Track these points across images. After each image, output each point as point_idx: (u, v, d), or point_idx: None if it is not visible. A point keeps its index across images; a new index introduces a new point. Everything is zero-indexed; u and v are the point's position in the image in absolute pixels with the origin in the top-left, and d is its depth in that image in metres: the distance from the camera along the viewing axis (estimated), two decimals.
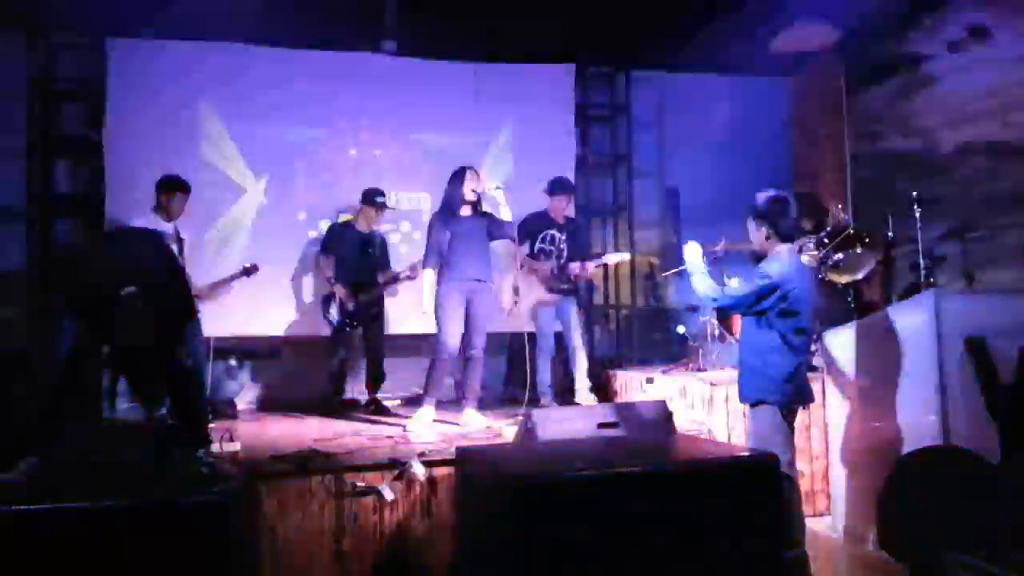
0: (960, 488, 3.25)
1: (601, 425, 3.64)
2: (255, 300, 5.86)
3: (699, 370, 5.47)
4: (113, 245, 3.80)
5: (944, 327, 3.79)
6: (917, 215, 4.94)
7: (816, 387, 4.02)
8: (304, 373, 6.02)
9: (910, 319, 3.98)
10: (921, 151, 5.96)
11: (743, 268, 4.21)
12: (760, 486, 2.83)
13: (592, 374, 5.49)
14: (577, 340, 5.42)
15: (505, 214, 4.96)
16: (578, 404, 5.28)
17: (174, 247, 4.85)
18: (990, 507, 3.09)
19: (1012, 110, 5.29)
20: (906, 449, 3.82)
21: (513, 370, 5.26)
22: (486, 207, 5.03)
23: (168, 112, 6.00)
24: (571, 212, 5.67)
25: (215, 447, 3.71)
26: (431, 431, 4.69)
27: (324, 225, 6.21)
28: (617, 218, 7.13)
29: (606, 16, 6.07)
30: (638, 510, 2.63)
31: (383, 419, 5.26)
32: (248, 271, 5.54)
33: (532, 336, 5.46)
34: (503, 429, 4.61)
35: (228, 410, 5.56)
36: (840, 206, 5.54)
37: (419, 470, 3.56)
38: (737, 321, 5.10)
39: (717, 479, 2.81)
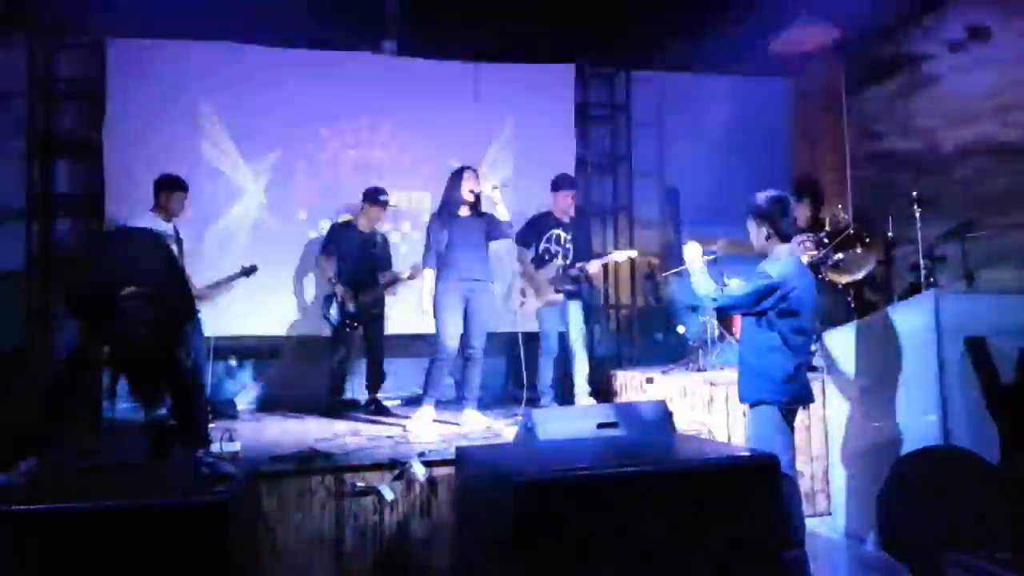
0: (960, 488, 3.25)
1: (601, 425, 3.64)
2: (255, 300, 5.86)
3: (699, 370, 5.47)
4: (113, 245, 3.80)
5: (944, 327, 3.79)
6: (917, 215, 4.94)
7: (816, 387, 4.02)
8: (304, 373, 6.02)
9: (910, 319, 3.98)
10: (921, 151, 5.96)
11: (743, 268, 4.21)
12: (760, 486, 2.83)
13: (592, 379, 5.49)
14: (579, 342, 5.41)
15: (502, 214, 4.96)
16: (578, 404, 5.28)
17: (174, 247, 4.85)
18: (990, 507, 3.09)
19: (1012, 110, 5.29)
20: (906, 449, 3.82)
21: (513, 370, 5.26)
22: (485, 207, 5.03)
23: (168, 112, 6.00)
24: (572, 210, 5.66)
25: (215, 447, 3.71)
26: (431, 431, 4.69)
27: (324, 225, 6.22)
28: (617, 218, 7.13)
29: (606, 16, 6.07)
30: (638, 510, 2.63)
31: (383, 419, 5.26)
32: (247, 271, 5.54)
33: (527, 336, 5.46)
34: (503, 429, 4.61)
35: (228, 410, 5.56)
36: (840, 206, 5.55)
37: (419, 470, 3.56)
38: (737, 321, 5.10)
39: (717, 479, 2.81)
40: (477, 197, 4.97)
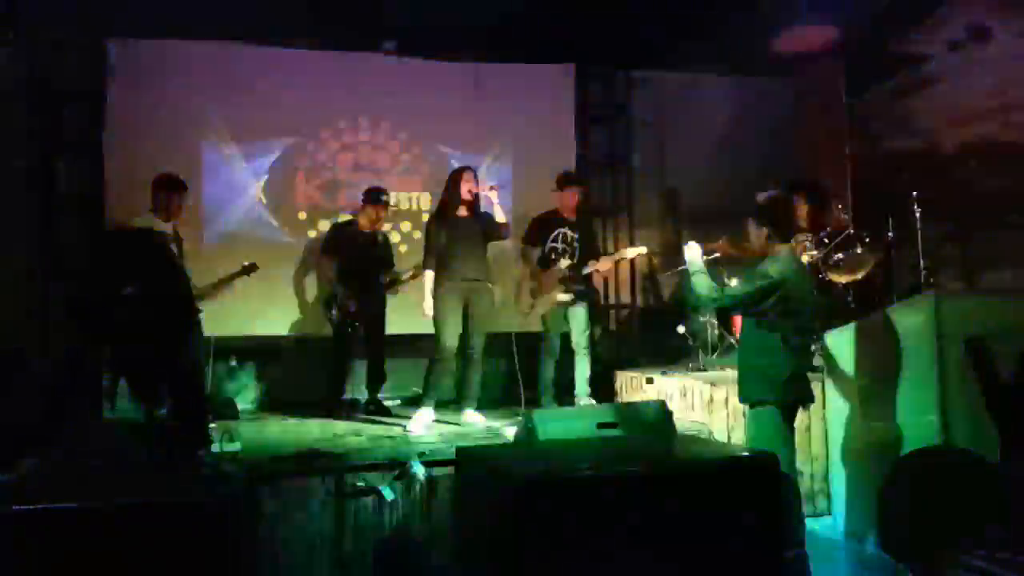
0: (960, 488, 3.25)
1: (601, 425, 3.64)
2: (255, 300, 5.85)
3: (699, 370, 5.47)
4: (113, 245, 3.80)
5: (944, 327, 3.79)
6: (917, 215, 4.93)
7: (816, 387, 4.02)
8: (304, 373, 6.01)
9: (910, 319, 3.98)
10: (921, 151, 5.96)
11: (743, 268, 4.21)
12: (760, 486, 2.83)
13: (592, 380, 5.48)
14: (582, 343, 5.40)
15: (498, 215, 4.93)
16: (578, 405, 5.28)
17: (173, 247, 4.84)
18: (990, 507, 3.09)
19: (1012, 110, 5.29)
20: (906, 449, 3.82)
21: (513, 370, 5.25)
22: (484, 207, 5.03)
23: (168, 112, 5.99)
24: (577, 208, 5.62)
25: (215, 447, 3.71)
26: (431, 431, 4.69)
27: (324, 225, 6.22)
28: (617, 218, 7.13)
29: (606, 16, 6.06)
30: (638, 510, 2.63)
31: (383, 419, 5.26)
32: (248, 270, 5.53)
33: (526, 336, 5.46)
34: (503, 429, 4.61)
35: (228, 410, 5.55)
36: (840, 206, 5.54)
37: (419, 470, 3.56)
38: (737, 321, 5.10)
39: (717, 479, 2.81)
40: (475, 197, 4.97)
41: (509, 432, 4.35)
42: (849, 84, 6.71)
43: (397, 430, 4.76)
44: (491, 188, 4.94)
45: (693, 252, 3.73)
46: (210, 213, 6.08)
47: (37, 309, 5.76)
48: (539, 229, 5.51)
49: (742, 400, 3.66)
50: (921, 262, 4.93)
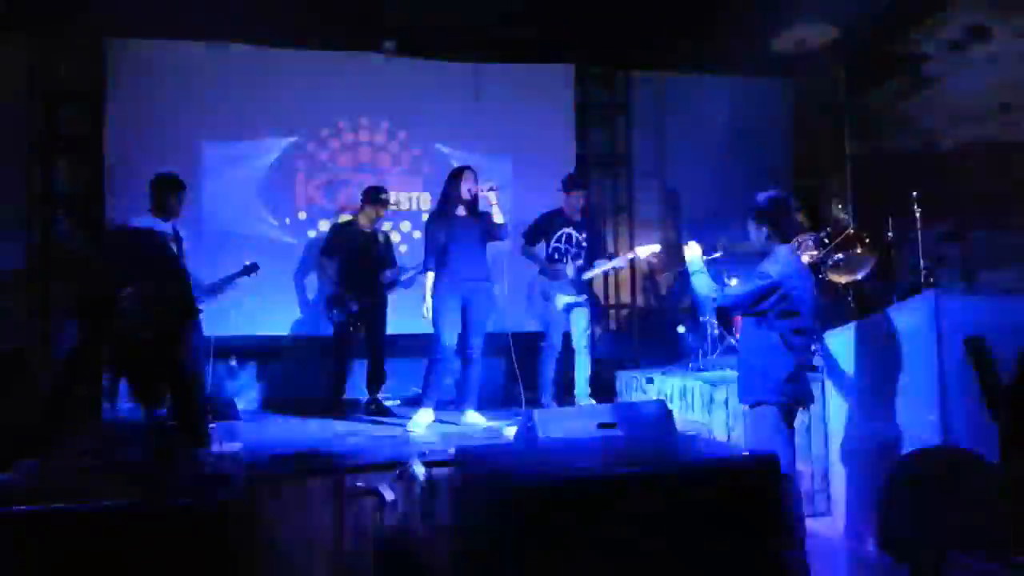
0: (960, 488, 3.25)
1: (601, 425, 3.64)
2: (256, 300, 5.86)
3: (699, 370, 5.47)
4: (113, 245, 3.80)
5: (944, 327, 3.79)
6: (917, 215, 4.93)
7: (816, 387, 4.02)
8: (304, 373, 6.02)
9: (910, 319, 3.98)
10: (921, 151, 5.95)
11: (743, 268, 4.21)
12: (760, 486, 2.82)
13: (592, 379, 5.48)
14: (583, 343, 5.40)
15: (497, 215, 4.92)
16: (578, 405, 5.28)
17: (173, 247, 4.84)
18: (990, 507, 3.09)
19: (1012, 110, 5.28)
20: (906, 449, 3.82)
21: (512, 370, 5.26)
22: (481, 207, 5.02)
23: (168, 112, 5.99)
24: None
25: (215, 447, 3.70)
26: (431, 431, 4.69)
27: (324, 225, 6.22)
28: (617, 218, 7.13)
29: (606, 16, 6.06)
30: (638, 511, 2.63)
31: (383, 419, 5.27)
32: (249, 269, 5.53)
33: (525, 336, 5.45)
34: (503, 429, 4.61)
35: (228, 410, 5.55)
36: (840, 206, 5.54)
37: (419, 470, 3.55)
38: (737, 321, 5.10)
39: (717, 479, 2.80)
40: (475, 197, 4.96)
41: (509, 432, 4.35)
42: (849, 84, 6.72)
43: (397, 430, 4.76)
44: (490, 188, 4.92)
45: (693, 252, 3.73)
46: (210, 213, 6.08)
47: (37, 309, 5.76)
48: (541, 229, 5.50)
49: (742, 400, 3.66)
50: (921, 262, 4.93)
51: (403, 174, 6.49)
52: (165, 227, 5.01)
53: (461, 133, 6.59)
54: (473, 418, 4.94)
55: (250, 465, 3.56)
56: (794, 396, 3.50)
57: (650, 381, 5.50)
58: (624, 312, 7.13)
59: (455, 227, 4.93)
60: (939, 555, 2.75)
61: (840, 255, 5.07)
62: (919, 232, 4.93)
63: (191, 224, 5.53)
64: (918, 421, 3.85)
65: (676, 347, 6.19)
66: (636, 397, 5.54)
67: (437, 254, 4.93)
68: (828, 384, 4.49)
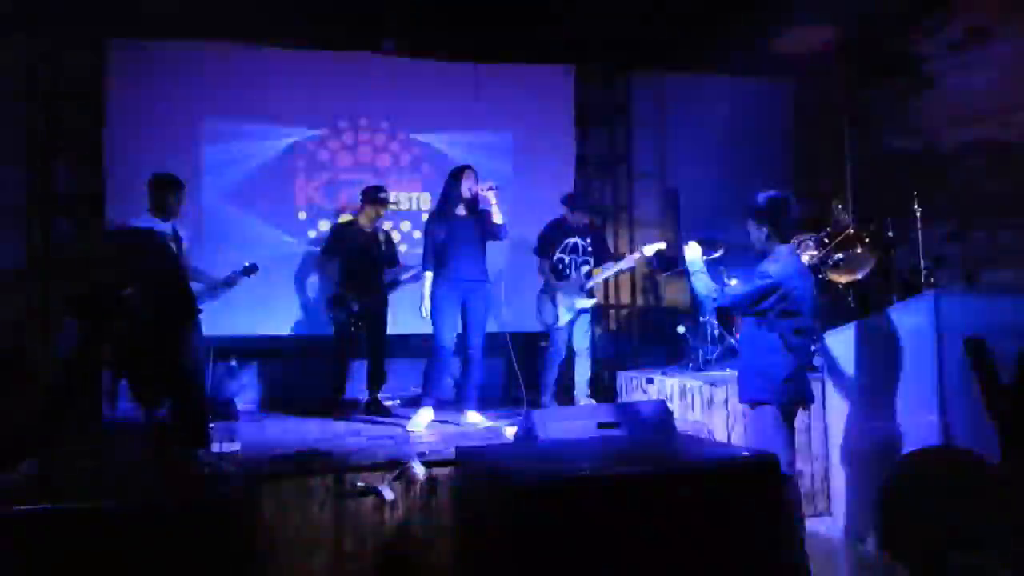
0: (960, 488, 3.25)
1: (601, 425, 3.64)
2: (255, 300, 5.85)
3: (699, 370, 5.47)
4: (113, 245, 3.80)
5: (944, 327, 3.79)
6: (917, 215, 4.94)
7: (816, 387, 4.02)
8: (304, 373, 6.02)
9: (910, 319, 3.98)
10: (921, 151, 5.96)
11: (743, 268, 4.21)
12: (760, 486, 2.83)
13: (593, 382, 5.48)
14: (585, 344, 5.41)
15: (496, 215, 4.91)
16: (578, 405, 5.28)
17: (173, 246, 4.84)
18: (990, 507, 3.10)
19: (1012, 110, 5.28)
20: (906, 449, 3.82)
21: (513, 370, 5.26)
22: (482, 206, 5.02)
23: (168, 112, 5.99)
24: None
25: (215, 447, 3.71)
26: (431, 431, 4.69)
27: (324, 225, 6.22)
28: (617, 218, 7.13)
29: (606, 16, 6.06)
30: (638, 511, 2.63)
31: (383, 419, 5.26)
32: (248, 270, 5.53)
33: (521, 336, 5.44)
34: (503, 429, 4.61)
35: (228, 410, 5.55)
36: (840, 206, 5.54)
37: (419, 470, 3.56)
38: (738, 321, 5.10)
39: (717, 480, 2.81)
40: (475, 196, 4.96)
41: (509, 432, 4.35)
42: (849, 84, 6.71)
43: (397, 430, 4.76)
44: (489, 188, 4.91)
45: (693, 252, 3.73)
46: (210, 213, 6.08)
47: (37, 309, 5.76)
48: (547, 240, 5.51)
49: (742, 400, 3.66)
50: (921, 262, 4.93)
51: (403, 174, 6.49)
52: (164, 227, 5.01)
53: (461, 133, 6.59)
54: (473, 418, 4.94)
55: (250, 465, 3.57)
56: (794, 396, 3.50)
57: (650, 381, 5.50)
58: (624, 312, 7.13)
59: (455, 227, 4.93)
60: (939, 555, 2.75)
61: (840, 255, 5.07)
62: (919, 232, 4.93)
63: (191, 224, 5.54)
64: (918, 421, 3.85)
65: (676, 347, 6.19)
66: (636, 397, 5.54)
67: (436, 254, 4.93)
68: (828, 384, 4.49)
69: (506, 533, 2.62)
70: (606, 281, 7.00)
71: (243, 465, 3.54)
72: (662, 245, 5.42)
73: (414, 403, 5.23)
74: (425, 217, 5.84)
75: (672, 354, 6.20)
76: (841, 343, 4.36)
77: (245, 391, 6.13)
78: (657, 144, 7.21)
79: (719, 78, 7.09)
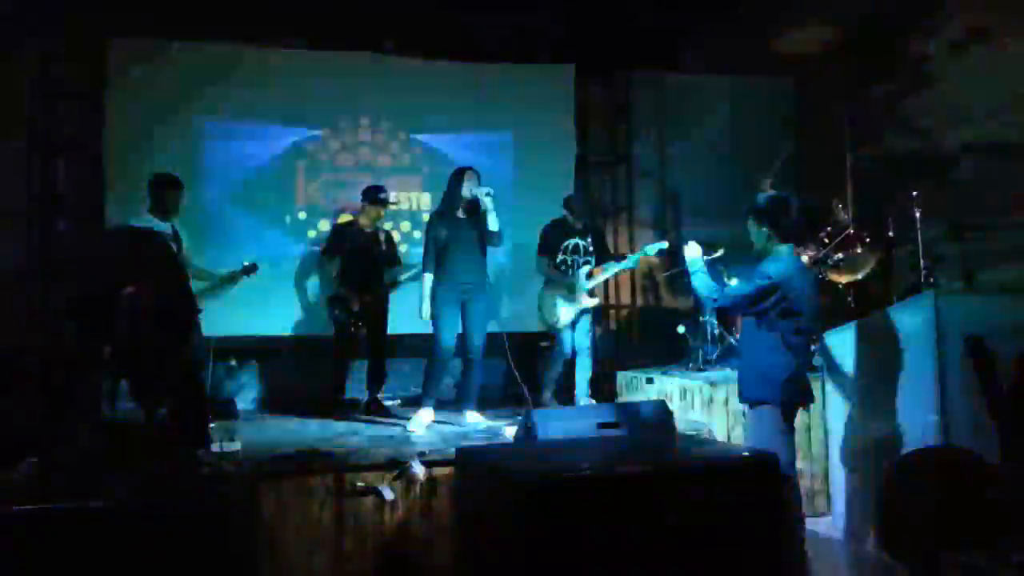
0: (960, 488, 3.25)
1: (601, 425, 3.64)
2: (256, 300, 5.85)
3: (699, 370, 5.47)
4: (113, 245, 3.80)
5: (944, 327, 3.79)
6: (917, 215, 4.93)
7: (816, 387, 4.02)
8: (304, 373, 6.01)
9: (910, 319, 3.98)
10: (921, 151, 5.95)
11: (743, 268, 4.21)
12: (760, 486, 2.83)
13: (593, 382, 5.48)
14: (586, 344, 5.41)
15: (491, 222, 4.86)
16: (578, 404, 5.28)
17: (172, 246, 4.84)
18: (990, 507, 3.10)
19: (1012, 110, 5.28)
20: (906, 449, 3.82)
21: (513, 370, 5.26)
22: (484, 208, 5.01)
23: (168, 112, 5.99)
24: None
25: (215, 447, 3.71)
26: (431, 431, 4.69)
27: (324, 225, 6.23)
28: (617, 218, 7.13)
29: (606, 16, 6.07)
30: (638, 510, 2.63)
31: (383, 419, 5.26)
32: (248, 270, 5.53)
33: (520, 336, 5.44)
34: (503, 429, 4.61)
35: (228, 410, 5.54)
36: (840, 206, 5.54)
37: (419, 470, 3.56)
38: (738, 321, 5.10)
39: (717, 479, 2.81)
40: (475, 198, 4.95)
41: (509, 432, 4.35)
42: (849, 84, 6.71)
43: (397, 430, 4.76)
44: (486, 194, 4.86)
45: (693, 252, 3.73)
46: (209, 212, 6.07)
47: (37, 309, 5.76)
48: (548, 241, 5.50)
49: (742, 400, 3.66)
50: (921, 262, 4.93)
51: (403, 174, 6.49)
52: (164, 227, 5.01)
53: (461, 133, 6.59)
54: (473, 418, 4.94)
55: (250, 465, 3.56)
56: (794, 396, 3.50)
57: (650, 381, 5.50)
58: (624, 312, 7.13)
59: (455, 228, 4.92)
60: (939, 555, 2.75)
61: (840, 255, 5.07)
62: (919, 232, 4.93)
63: (191, 224, 5.54)
64: (918, 421, 3.85)
65: (676, 347, 6.19)
66: (636, 397, 5.54)
67: (437, 255, 4.93)
68: (828, 384, 4.49)
69: (506, 533, 2.62)
70: (606, 281, 7.01)
71: (243, 465, 3.54)
72: (664, 244, 5.45)
73: (414, 403, 5.23)
74: (425, 217, 5.84)
75: (672, 354, 6.20)
76: (841, 343, 4.36)
77: (245, 391, 6.13)
78: (657, 144, 7.20)
79: (719, 78, 7.09)
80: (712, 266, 3.88)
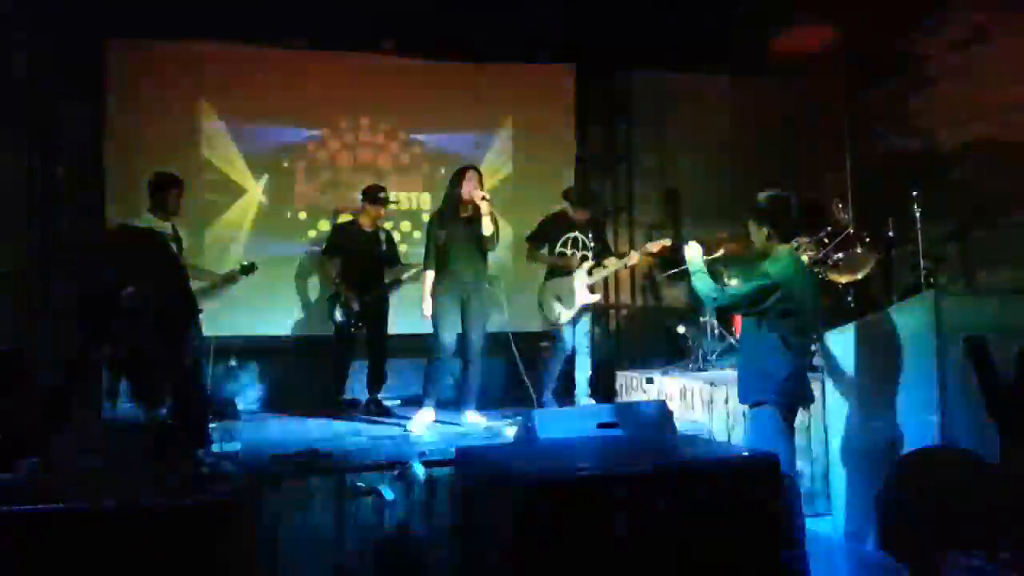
0: (960, 488, 3.25)
1: (601, 425, 3.64)
2: (255, 300, 5.86)
3: (699, 370, 5.46)
4: (113, 245, 3.80)
5: (944, 327, 3.79)
6: (917, 215, 4.93)
7: (816, 387, 4.02)
8: (305, 373, 6.02)
9: (910, 319, 3.98)
10: (921, 151, 5.95)
11: (743, 268, 4.21)
12: (760, 486, 2.82)
13: (593, 382, 5.48)
14: (585, 343, 5.41)
15: (486, 227, 4.84)
16: (578, 404, 5.28)
17: (173, 246, 4.84)
18: (990, 507, 3.09)
19: (1012, 110, 5.28)
20: (906, 449, 3.82)
21: (513, 370, 5.26)
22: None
23: (168, 112, 6.00)
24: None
25: (215, 447, 3.71)
26: (431, 431, 4.69)
27: (324, 225, 6.23)
28: (617, 218, 7.12)
29: (606, 16, 6.06)
30: (638, 510, 2.63)
31: (383, 419, 5.27)
32: (247, 270, 5.53)
33: (521, 336, 5.44)
34: (503, 429, 4.61)
35: (228, 410, 5.55)
36: (840, 206, 5.54)
37: (419, 470, 3.56)
38: (738, 321, 5.10)
39: (717, 479, 2.81)
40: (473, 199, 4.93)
41: (509, 432, 4.35)
42: (849, 84, 6.71)
43: (397, 430, 4.76)
44: (483, 198, 4.84)
45: (693, 252, 3.73)
46: (210, 213, 6.08)
47: (37, 309, 5.76)
48: (546, 233, 5.46)
49: (742, 400, 3.65)
50: (921, 262, 4.93)
51: (403, 174, 6.49)
52: (164, 226, 5.01)
53: (461, 133, 6.59)
54: (473, 418, 4.94)
55: (250, 465, 3.56)
56: (794, 396, 3.49)
57: (650, 381, 5.50)
58: (624, 312, 7.13)
59: (456, 228, 4.92)
60: (939, 555, 2.75)
61: (840, 255, 5.06)
62: (919, 232, 4.93)
63: (191, 224, 5.54)
64: (918, 421, 3.85)
65: (676, 347, 6.19)
66: (636, 397, 5.53)
67: (438, 254, 4.93)
68: (828, 384, 4.49)
69: (506, 533, 2.62)
70: (606, 281, 7.01)
71: (243, 465, 3.54)
72: (666, 242, 5.40)
73: (414, 403, 5.23)
74: (425, 217, 5.84)
75: (672, 354, 6.20)
76: (841, 343, 4.36)
77: (245, 391, 6.13)
78: (657, 144, 7.20)
79: (719, 78, 7.09)
80: (712, 266, 3.87)
